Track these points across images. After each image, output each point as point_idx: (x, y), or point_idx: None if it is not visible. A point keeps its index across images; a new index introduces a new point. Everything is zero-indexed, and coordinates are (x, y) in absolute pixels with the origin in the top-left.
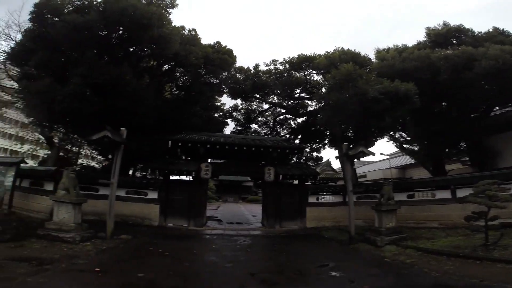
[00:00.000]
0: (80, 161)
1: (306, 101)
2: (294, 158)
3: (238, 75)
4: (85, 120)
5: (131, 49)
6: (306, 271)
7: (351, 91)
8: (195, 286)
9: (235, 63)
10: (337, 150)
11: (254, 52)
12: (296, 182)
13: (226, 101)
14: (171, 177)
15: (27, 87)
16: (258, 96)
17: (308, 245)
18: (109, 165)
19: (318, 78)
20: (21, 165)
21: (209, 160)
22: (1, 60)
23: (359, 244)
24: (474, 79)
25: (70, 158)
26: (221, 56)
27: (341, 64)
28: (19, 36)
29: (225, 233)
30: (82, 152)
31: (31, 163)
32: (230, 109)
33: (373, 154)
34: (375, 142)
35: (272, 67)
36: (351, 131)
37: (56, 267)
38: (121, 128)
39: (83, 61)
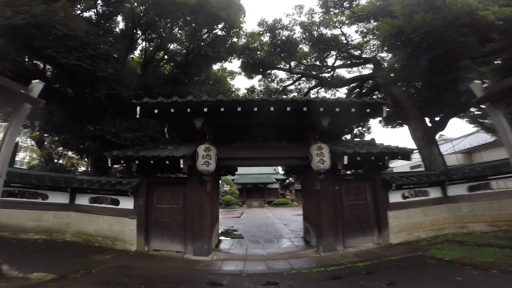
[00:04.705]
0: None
1: (344, 70)
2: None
3: (251, 44)
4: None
5: None
6: None
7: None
8: None
9: (244, 13)
10: (406, 126)
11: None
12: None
13: (241, 85)
14: (159, 177)
15: None
16: (281, 66)
17: None
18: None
19: (358, 38)
20: None
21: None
22: None
23: None
24: None
25: (62, 165)
26: None
27: None
28: None
29: (246, 270)
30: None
31: None
32: (246, 93)
33: None
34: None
35: (296, 16)
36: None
37: None
38: (34, 80)
39: None
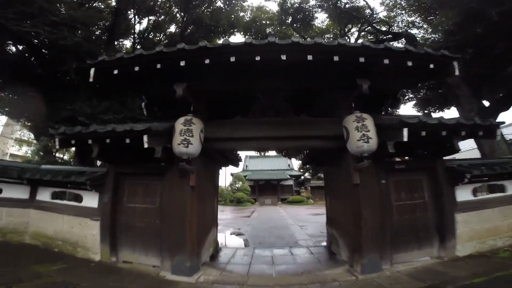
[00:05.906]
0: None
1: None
2: None
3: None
4: None
5: None
6: None
7: None
8: None
9: None
10: (448, 110)
11: None
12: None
13: None
14: (131, 167)
15: None
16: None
17: None
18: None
19: (383, 12)
20: None
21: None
22: None
23: None
24: None
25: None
26: None
27: None
28: None
29: None
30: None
31: None
32: None
33: None
34: None
35: None
36: None
37: None
38: None
39: None
